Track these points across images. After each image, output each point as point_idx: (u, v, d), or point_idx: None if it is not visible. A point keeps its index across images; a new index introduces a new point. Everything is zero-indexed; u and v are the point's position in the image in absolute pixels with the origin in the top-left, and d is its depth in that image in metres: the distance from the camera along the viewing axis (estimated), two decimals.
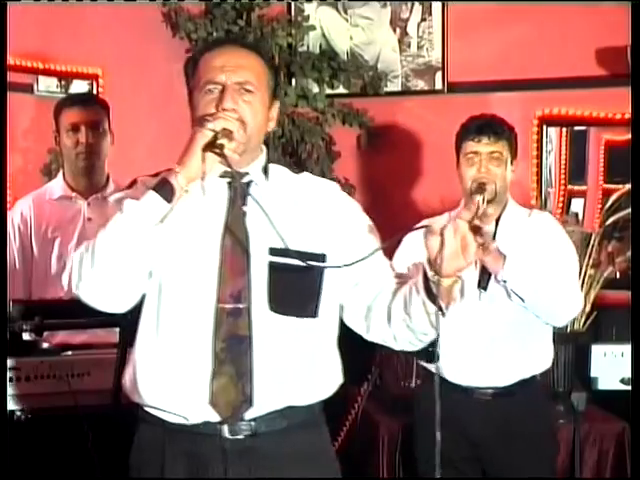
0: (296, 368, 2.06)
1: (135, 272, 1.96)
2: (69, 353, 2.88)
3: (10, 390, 2.69)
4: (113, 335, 2.85)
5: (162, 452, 2.07)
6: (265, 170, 2.13)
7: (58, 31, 4.34)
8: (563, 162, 4.47)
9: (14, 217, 3.47)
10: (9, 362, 2.69)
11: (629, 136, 3.83)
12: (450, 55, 4.58)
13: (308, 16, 4.75)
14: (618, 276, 4.06)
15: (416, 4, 4.65)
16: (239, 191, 2.07)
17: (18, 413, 2.73)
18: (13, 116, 3.64)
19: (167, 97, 4.69)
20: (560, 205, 4.39)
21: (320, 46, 4.74)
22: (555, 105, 4.37)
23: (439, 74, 4.61)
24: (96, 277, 1.94)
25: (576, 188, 4.50)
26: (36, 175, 4.19)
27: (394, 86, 4.70)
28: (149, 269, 2.00)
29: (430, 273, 1.93)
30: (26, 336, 2.83)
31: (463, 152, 3.07)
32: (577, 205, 4.47)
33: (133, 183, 2.12)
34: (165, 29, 4.66)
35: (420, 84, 4.66)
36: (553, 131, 4.44)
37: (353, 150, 4.70)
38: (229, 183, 2.08)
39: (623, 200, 3.86)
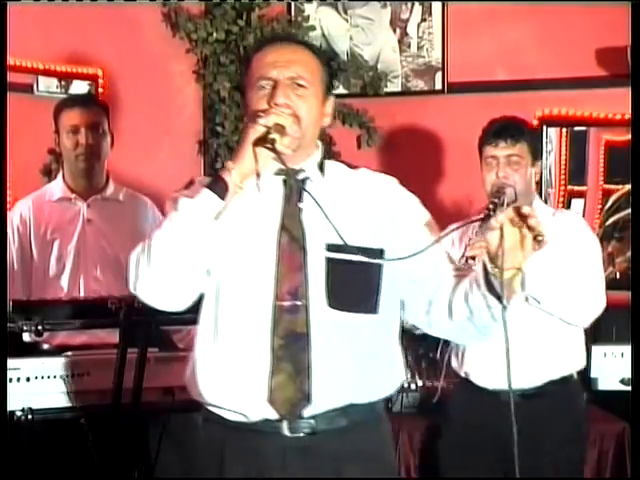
0: (356, 365, 2.04)
1: (191, 270, 1.96)
2: (69, 354, 2.88)
3: (10, 390, 2.69)
4: (113, 335, 2.85)
5: (222, 450, 2.07)
6: (321, 166, 2.11)
7: (58, 31, 4.34)
8: (563, 162, 4.47)
9: (13, 218, 3.46)
10: (9, 362, 2.69)
11: (629, 136, 3.82)
12: (450, 55, 4.58)
13: (308, 16, 4.76)
14: (618, 276, 4.07)
15: (416, 4, 4.65)
16: (294, 188, 2.06)
17: (18, 413, 2.73)
18: (13, 116, 3.63)
19: (167, 97, 4.70)
20: (560, 205, 4.38)
21: (320, 46, 4.74)
22: (555, 105, 4.37)
23: (439, 74, 4.61)
24: (153, 276, 1.94)
25: (576, 188, 4.49)
26: (36, 175, 4.19)
27: (394, 86, 4.70)
28: (206, 267, 2.00)
29: (490, 266, 1.91)
30: (26, 337, 2.83)
31: (483, 156, 3.09)
32: (577, 205, 4.46)
33: (190, 183, 2.10)
34: (165, 29, 4.66)
35: (420, 84, 4.66)
36: (553, 131, 4.44)
37: (353, 150, 4.69)
38: (284, 180, 2.07)
39: (623, 200, 3.88)
